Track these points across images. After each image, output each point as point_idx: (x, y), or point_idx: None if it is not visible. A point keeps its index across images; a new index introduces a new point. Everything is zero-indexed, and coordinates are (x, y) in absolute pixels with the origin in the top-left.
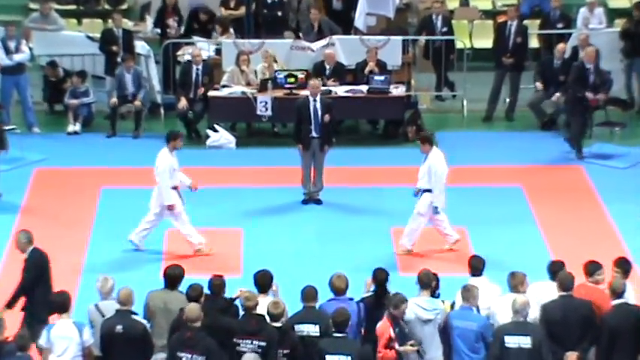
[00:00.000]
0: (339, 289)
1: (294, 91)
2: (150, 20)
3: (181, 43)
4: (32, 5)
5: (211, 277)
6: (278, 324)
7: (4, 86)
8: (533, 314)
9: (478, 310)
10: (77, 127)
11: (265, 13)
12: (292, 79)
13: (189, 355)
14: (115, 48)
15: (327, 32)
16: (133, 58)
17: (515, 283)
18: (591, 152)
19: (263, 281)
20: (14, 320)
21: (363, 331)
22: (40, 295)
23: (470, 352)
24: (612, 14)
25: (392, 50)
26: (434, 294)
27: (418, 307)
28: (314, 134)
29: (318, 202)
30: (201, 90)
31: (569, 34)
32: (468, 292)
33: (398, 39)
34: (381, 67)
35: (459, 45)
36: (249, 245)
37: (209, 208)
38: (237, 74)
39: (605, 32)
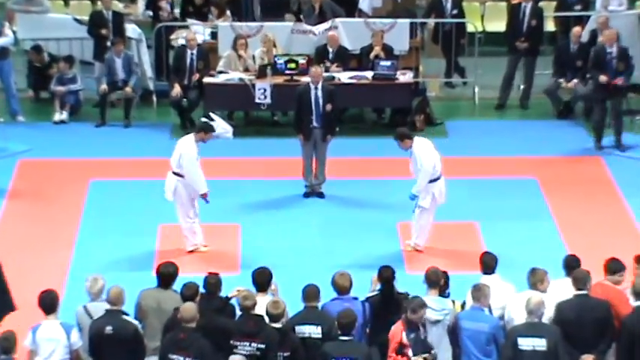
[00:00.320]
0: (342, 287)
1: (295, 78)
2: (142, 2)
3: (175, 27)
4: None
5: (206, 275)
6: (278, 325)
7: None
8: (550, 314)
9: (490, 311)
10: (64, 115)
11: None
12: (293, 65)
13: (182, 358)
14: (104, 31)
15: (329, 15)
16: (123, 42)
17: (535, 280)
18: (611, 143)
19: (261, 280)
20: None
21: (368, 332)
22: None
23: (481, 355)
24: None
25: (399, 34)
26: (443, 293)
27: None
28: (315, 124)
29: (321, 195)
30: (196, 76)
31: (588, 17)
32: (479, 292)
33: (405, 22)
34: (387, 51)
35: (470, 28)
36: (247, 241)
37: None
38: (235, 59)
39: (626, 14)
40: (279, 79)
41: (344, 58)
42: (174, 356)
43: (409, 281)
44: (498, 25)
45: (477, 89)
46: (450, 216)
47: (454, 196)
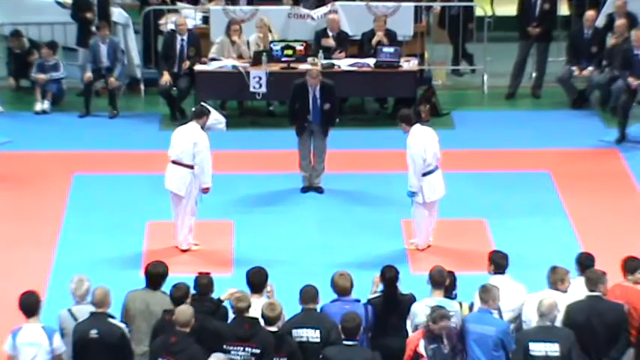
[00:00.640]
0: (342, 288)
1: (292, 65)
2: None
3: (164, 11)
4: None
5: (197, 276)
6: (274, 328)
7: None
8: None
9: (500, 313)
10: (46, 105)
11: None
12: (290, 52)
13: None
14: (89, 15)
15: None
16: (108, 27)
17: (556, 279)
18: (629, 135)
19: (256, 280)
20: None
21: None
22: None
23: None
24: None
25: (403, 18)
26: (450, 294)
27: (430, 308)
28: (311, 120)
29: (320, 190)
30: (187, 64)
31: (604, 0)
32: (487, 293)
33: (410, 5)
34: (391, 37)
35: (478, 12)
36: (240, 239)
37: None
38: (228, 46)
39: None
40: (275, 67)
41: (344, 43)
42: None
43: (414, 282)
44: (509, 8)
45: (485, 77)
46: (458, 212)
47: (461, 191)
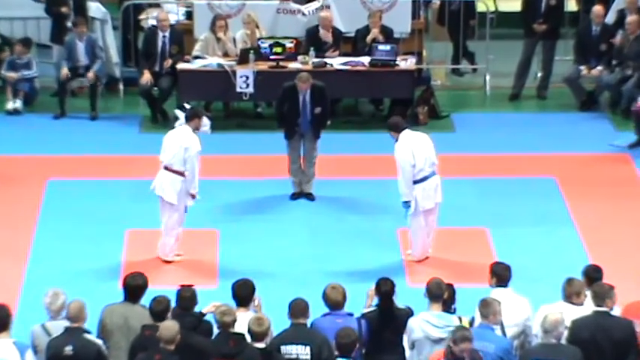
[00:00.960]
0: (334, 302)
1: (281, 64)
2: None
3: (144, 5)
4: None
5: (180, 288)
6: (261, 344)
7: None
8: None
9: (503, 329)
10: (18, 104)
11: None
12: (279, 49)
13: None
14: (64, 10)
15: None
16: (85, 23)
17: (571, 292)
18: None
19: (243, 293)
20: None
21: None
22: None
23: None
24: None
25: (399, 14)
26: (449, 309)
27: (427, 323)
28: (301, 126)
29: (310, 197)
30: (169, 62)
31: None
32: (488, 307)
33: (407, 0)
34: (387, 34)
35: (480, 8)
36: (226, 249)
37: None
38: (213, 43)
39: None
40: (264, 66)
41: (337, 41)
42: None
43: (411, 295)
44: (513, 4)
45: (488, 77)
46: (457, 221)
47: (461, 198)
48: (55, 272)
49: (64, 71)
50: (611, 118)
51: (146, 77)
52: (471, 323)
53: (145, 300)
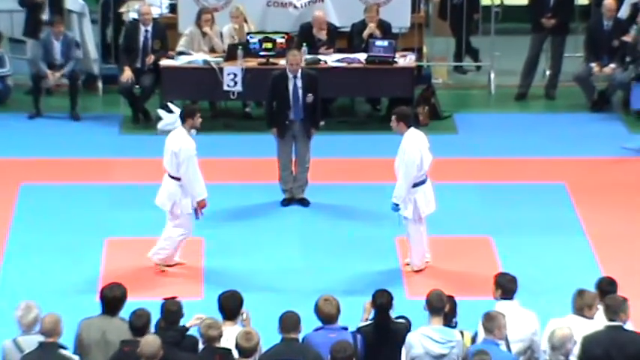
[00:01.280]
0: (328, 315)
1: (272, 61)
2: None
3: None
4: None
5: (164, 301)
6: None
7: None
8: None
9: (508, 344)
10: None
11: None
12: (269, 45)
13: None
14: (38, 1)
15: None
16: (63, 22)
17: (582, 304)
18: None
19: (230, 305)
20: None
21: None
22: None
23: None
24: None
25: (398, 8)
26: (450, 322)
27: (428, 338)
28: (293, 118)
29: (304, 202)
30: (151, 58)
31: None
32: (492, 322)
33: None
34: (384, 29)
35: (484, 1)
36: (211, 259)
37: (160, 210)
38: (198, 38)
39: None
40: (253, 62)
41: (332, 37)
42: None
43: (410, 308)
44: None
45: (492, 75)
46: (460, 229)
47: (464, 204)
48: (28, 283)
49: (43, 69)
50: (624, 119)
51: (127, 74)
52: (474, 339)
53: (125, 313)
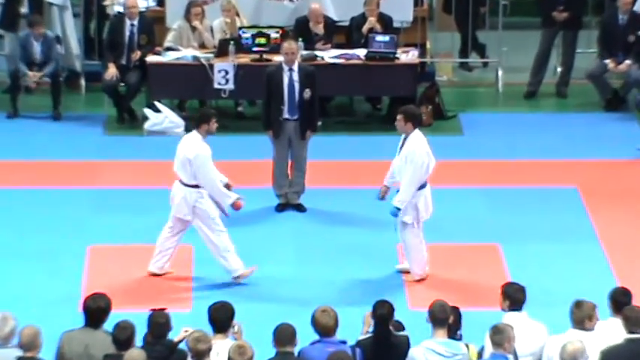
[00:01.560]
0: (325, 328)
1: (265, 57)
2: None
3: None
4: None
5: (152, 312)
6: None
7: None
8: None
9: (517, 358)
10: None
11: None
12: (262, 40)
13: None
14: None
15: None
16: (42, 23)
17: (582, 316)
18: None
19: (220, 317)
20: None
21: None
22: None
23: None
24: None
25: (400, 1)
26: (454, 335)
27: (433, 352)
28: (288, 116)
29: (300, 208)
30: (137, 54)
31: None
32: (501, 335)
33: None
34: (385, 23)
35: None
36: (201, 267)
37: (147, 216)
38: (187, 32)
39: None
40: (245, 59)
41: (329, 32)
42: None
43: (413, 319)
44: None
45: (500, 72)
46: (466, 236)
47: (470, 210)
48: (5, 293)
49: (28, 72)
50: None
51: (111, 72)
52: (480, 353)
53: (109, 325)
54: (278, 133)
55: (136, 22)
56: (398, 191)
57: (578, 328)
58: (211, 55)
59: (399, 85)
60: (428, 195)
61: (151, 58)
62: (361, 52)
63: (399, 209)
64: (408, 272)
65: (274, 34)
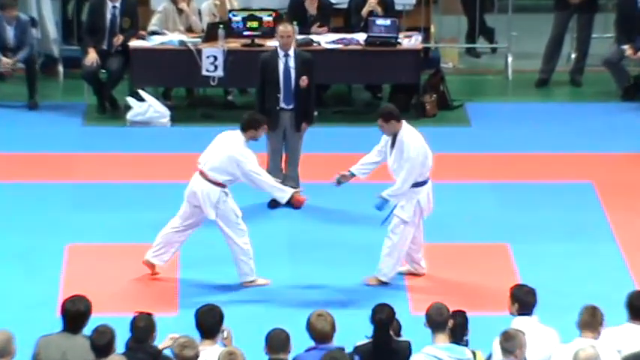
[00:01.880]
0: (321, 333)
1: (257, 42)
2: None
3: None
4: None
5: (135, 316)
6: None
7: None
8: None
9: None
10: None
11: None
12: (254, 24)
13: None
14: None
15: None
16: (15, 6)
17: (595, 322)
18: None
19: (208, 322)
20: None
21: None
22: None
23: None
24: None
25: None
26: (460, 341)
27: (434, 358)
28: (283, 105)
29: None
30: (119, 39)
31: None
32: (512, 341)
33: None
34: (386, 6)
35: None
36: (188, 269)
37: (129, 213)
38: (173, 15)
39: None
40: (236, 44)
41: (326, 15)
42: None
43: (415, 325)
44: None
45: (510, 59)
46: (473, 235)
47: (478, 207)
48: None
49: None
50: None
51: (91, 57)
52: None
53: (89, 330)
54: (274, 124)
55: (118, 4)
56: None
57: (589, 336)
58: (199, 40)
59: (401, 73)
60: (430, 191)
61: (134, 43)
62: (360, 37)
63: (385, 201)
64: (410, 274)
65: (267, 18)
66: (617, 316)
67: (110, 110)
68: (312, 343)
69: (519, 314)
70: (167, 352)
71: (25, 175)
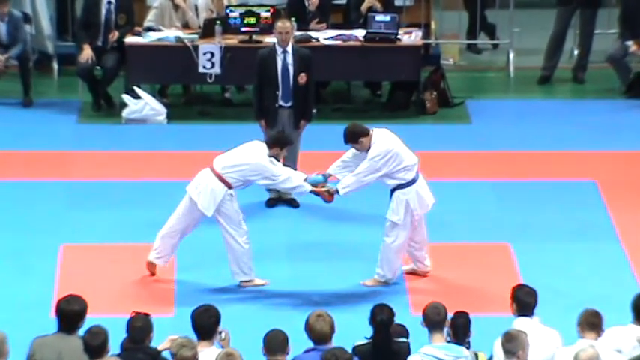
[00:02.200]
0: (320, 334)
1: (255, 38)
2: None
3: None
4: None
5: (131, 316)
6: None
7: None
8: None
9: None
10: None
11: None
12: (252, 20)
13: None
14: None
15: None
16: (7, 1)
17: (595, 322)
18: None
19: (204, 322)
20: None
21: None
22: None
23: None
24: None
25: None
26: (462, 342)
27: (431, 357)
28: (282, 102)
29: (292, 203)
30: (115, 35)
31: None
32: (515, 342)
33: None
34: (386, 2)
35: None
36: (185, 270)
37: (125, 212)
38: (169, 11)
39: None
40: (233, 40)
41: (325, 10)
42: None
43: (416, 326)
44: None
45: (512, 55)
46: (474, 234)
47: (479, 206)
48: None
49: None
50: None
51: (86, 54)
52: None
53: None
54: (272, 122)
55: (113, 0)
56: (392, 190)
57: (589, 337)
58: (196, 36)
59: (401, 69)
60: (420, 190)
61: (129, 40)
62: (360, 33)
63: (317, 181)
64: (414, 273)
65: (264, 14)
66: (620, 316)
67: (105, 108)
68: (310, 344)
69: (520, 315)
70: (166, 354)
71: (19, 174)
